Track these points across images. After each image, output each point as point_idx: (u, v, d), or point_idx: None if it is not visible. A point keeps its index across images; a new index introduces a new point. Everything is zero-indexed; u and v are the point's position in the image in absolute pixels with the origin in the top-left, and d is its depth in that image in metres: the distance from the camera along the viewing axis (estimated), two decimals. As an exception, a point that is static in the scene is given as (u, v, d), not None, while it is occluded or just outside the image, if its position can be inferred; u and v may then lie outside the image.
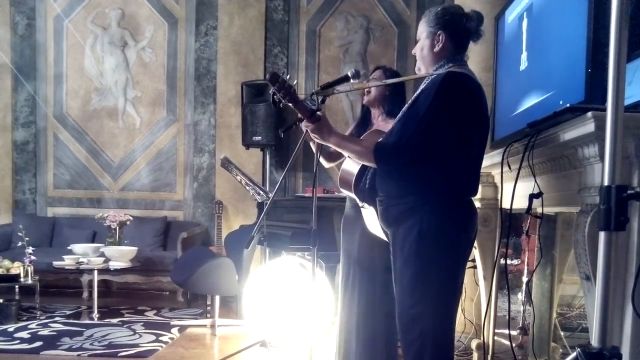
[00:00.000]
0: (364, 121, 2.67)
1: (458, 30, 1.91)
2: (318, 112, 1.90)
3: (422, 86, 1.92)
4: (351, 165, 2.19)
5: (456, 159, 1.81)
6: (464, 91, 1.80)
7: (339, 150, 1.99)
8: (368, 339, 2.46)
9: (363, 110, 2.69)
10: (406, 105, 1.93)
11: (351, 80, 2.20)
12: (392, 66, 5.24)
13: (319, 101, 1.94)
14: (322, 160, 2.50)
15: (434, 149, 1.78)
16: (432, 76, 1.87)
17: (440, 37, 1.91)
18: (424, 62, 1.98)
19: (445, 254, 1.81)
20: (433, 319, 1.81)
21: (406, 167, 1.84)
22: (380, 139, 1.94)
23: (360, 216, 2.32)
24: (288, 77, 1.86)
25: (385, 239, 2.02)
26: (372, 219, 2.13)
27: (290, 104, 1.88)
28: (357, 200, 2.20)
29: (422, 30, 1.96)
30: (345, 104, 5.64)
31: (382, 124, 2.50)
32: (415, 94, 1.91)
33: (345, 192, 2.32)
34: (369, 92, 2.56)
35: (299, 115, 1.93)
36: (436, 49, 1.92)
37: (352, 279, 2.50)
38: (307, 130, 1.97)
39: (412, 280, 1.82)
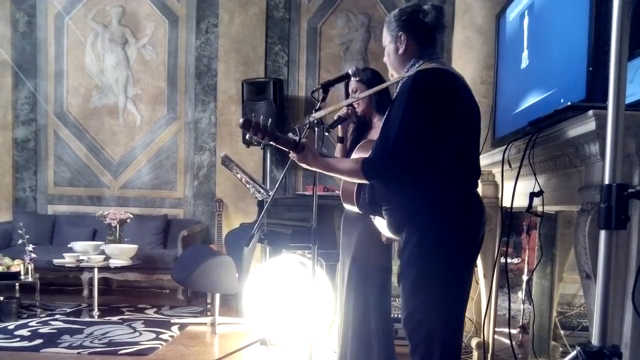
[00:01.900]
0: (363, 125, 2.65)
1: (418, 27, 1.89)
2: (301, 142, 1.89)
3: (396, 91, 1.90)
4: None
5: (446, 156, 1.78)
6: (436, 86, 1.78)
7: (329, 174, 1.98)
8: (364, 339, 2.45)
9: (359, 117, 2.67)
10: (386, 114, 1.91)
11: (352, 79, 2.20)
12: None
13: (318, 129, 1.97)
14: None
15: (420, 152, 1.76)
16: (404, 79, 1.85)
17: (402, 39, 1.90)
18: (394, 67, 1.98)
19: (446, 255, 1.78)
20: (438, 323, 1.79)
21: (398, 176, 1.82)
22: (367, 155, 1.92)
23: (359, 216, 2.32)
24: (261, 117, 1.86)
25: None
26: (384, 226, 2.12)
27: (271, 143, 1.89)
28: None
29: (385, 37, 1.96)
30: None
31: (380, 123, 2.49)
32: (392, 101, 1.89)
33: (348, 207, 2.30)
34: (357, 104, 2.54)
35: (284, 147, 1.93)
36: (400, 51, 1.91)
37: (350, 278, 2.50)
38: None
39: (415, 284, 1.81)
